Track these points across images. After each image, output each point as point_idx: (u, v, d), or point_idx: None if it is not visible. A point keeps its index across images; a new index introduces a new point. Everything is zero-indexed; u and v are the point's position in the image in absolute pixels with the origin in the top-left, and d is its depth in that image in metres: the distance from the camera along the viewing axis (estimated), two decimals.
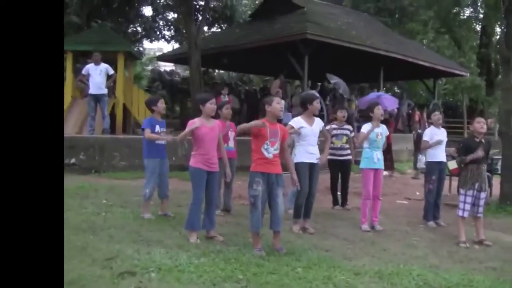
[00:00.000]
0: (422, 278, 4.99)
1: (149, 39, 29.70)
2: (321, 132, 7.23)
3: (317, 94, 8.01)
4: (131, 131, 16.36)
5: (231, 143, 7.82)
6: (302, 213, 7.10)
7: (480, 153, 6.81)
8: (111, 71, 12.74)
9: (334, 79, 17.15)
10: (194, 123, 6.11)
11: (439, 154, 8.30)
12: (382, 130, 7.67)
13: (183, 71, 37.45)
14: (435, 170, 8.28)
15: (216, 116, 6.87)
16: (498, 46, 29.21)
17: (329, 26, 17.36)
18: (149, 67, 38.76)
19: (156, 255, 5.20)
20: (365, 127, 7.66)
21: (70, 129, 13.28)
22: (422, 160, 14.30)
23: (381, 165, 7.64)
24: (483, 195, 7.00)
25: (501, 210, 9.29)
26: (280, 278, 4.68)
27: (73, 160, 11.14)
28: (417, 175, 14.29)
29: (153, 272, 4.59)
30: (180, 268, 4.78)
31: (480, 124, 7.06)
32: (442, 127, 8.52)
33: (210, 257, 5.27)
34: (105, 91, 12.54)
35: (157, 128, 7.32)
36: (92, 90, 12.37)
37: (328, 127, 8.79)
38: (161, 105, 7.41)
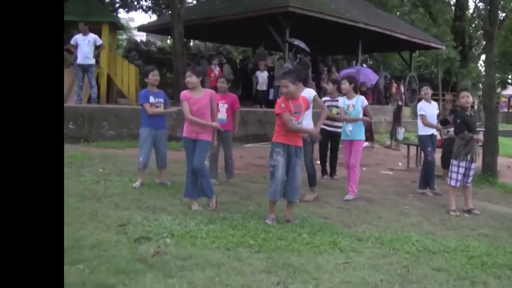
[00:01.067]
0: (421, 244, 5.26)
1: (126, 9, 29.23)
2: (315, 101, 7.38)
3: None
4: (114, 100, 16.34)
5: (222, 115, 7.92)
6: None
7: (481, 136, 7.15)
8: (99, 42, 12.71)
9: (296, 41, 17.17)
10: (185, 95, 6.31)
11: (429, 128, 8.59)
12: (355, 102, 7.89)
13: (158, 41, 37.18)
14: (428, 142, 8.59)
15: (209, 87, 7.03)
16: (481, 22, 29.77)
17: None
18: (123, 37, 38.29)
19: (165, 221, 5.37)
20: (340, 101, 8.03)
21: None
22: (400, 132, 14.73)
23: (354, 135, 7.82)
24: (473, 165, 7.33)
25: (484, 180, 9.69)
26: (289, 243, 4.90)
27: None
28: (397, 146, 14.67)
29: (167, 238, 4.77)
30: (192, 234, 4.96)
31: (464, 99, 7.33)
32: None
33: (217, 223, 5.46)
34: (92, 61, 12.52)
35: (151, 99, 7.45)
36: (80, 60, 12.34)
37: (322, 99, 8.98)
38: (152, 77, 7.52)
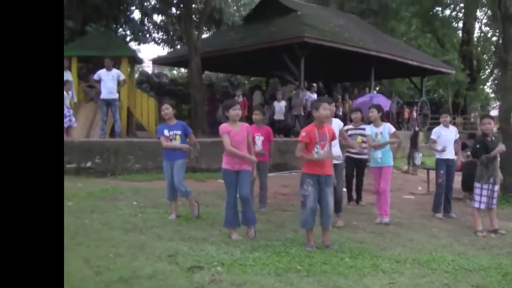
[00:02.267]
0: (456, 263, 5.53)
1: (137, 42, 29.85)
2: (341, 133, 7.73)
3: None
4: (133, 133, 16.70)
5: (258, 147, 8.22)
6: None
7: (503, 147, 7.42)
8: (122, 77, 13.10)
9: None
10: (225, 128, 6.54)
11: (446, 152, 8.84)
12: (383, 129, 8.21)
13: (170, 73, 37.75)
14: (442, 166, 8.84)
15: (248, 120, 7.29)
16: (488, 45, 30.16)
17: (324, 29, 17.91)
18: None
19: (211, 251, 5.61)
20: (368, 129, 8.38)
21: (78, 133, 13.55)
22: (418, 156, 14.98)
23: (384, 162, 8.16)
24: (496, 187, 7.62)
25: (504, 201, 9.91)
26: (334, 267, 5.15)
27: (89, 164, 11.46)
28: (415, 171, 14.90)
29: (218, 266, 5.01)
30: (240, 262, 5.21)
31: (485, 126, 7.70)
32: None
33: (261, 251, 5.71)
34: (116, 95, 12.92)
35: (166, 132, 7.58)
36: (104, 95, 12.72)
37: (345, 127, 9.26)
38: (162, 111, 7.75)
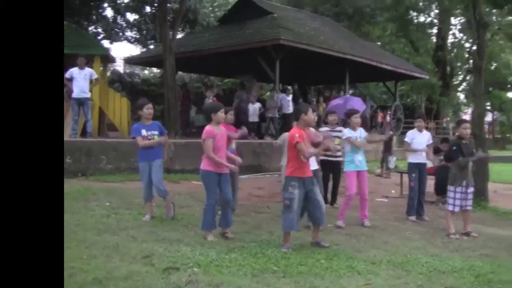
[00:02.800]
0: (430, 265, 5.61)
1: (109, 40, 29.52)
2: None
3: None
4: (105, 133, 16.48)
5: (233, 145, 8.20)
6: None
7: (482, 154, 7.55)
8: (95, 76, 12.91)
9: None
10: (211, 132, 6.51)
11: (418, 156, 8.96)
12: (361, 134, 8.31)
13: (142, 73, 37.46)
14: (414, 169, 8.94)
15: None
16: (461, 52, 30.64)
17: (299, 31, 17.94)
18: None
19: (187, 252, 5.57)
20: (345, 133, 8.37)
21: None
22: (392, 160, 15.10)
23: (363, 166, 8.26)
24: (470, 190, 7.74)
25: (476, 205, 10.00)
26: (310, 268, 5.17)
27: None
28: (389, 174, 15.04)
29: (194, 267, 4.97)
30: (216, 263, 5.18)
31: (466, 130, 7.84)
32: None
33: (237, 252, 5.71)
34: (88, 95, 12.69)
35: (144, 132, 7.51)
36: (76, 94, 12.46)
37: (321, 129, 9.30)
38: (146, 110, 7.58)
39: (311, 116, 6.21)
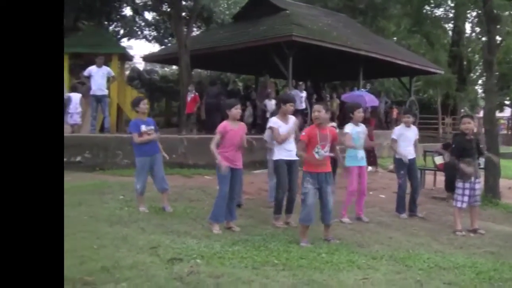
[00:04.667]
0: (432, 261, 5.66)
1: (129, 39, 29.96)
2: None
3: (291, 96, 8.39)
4: (123, 129, 16.77)
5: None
6: (284, 209, 7.62)
7: (468, 170, 7.56)
8: (112, 73, 13.23)
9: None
10: (223, 127, 6.78)
11: (406, 153, 8.79)
12: (362, 129, 8.36)
13: (161, 70, 37.79)
14: (402, 166, 8.82)
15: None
16: (478, 46, 30.43)
17: (312, 28, 17.99)
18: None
19: (192, 244, 5.75)
20: (348, 127, 8.31)
21: (68, 128, 13.63)
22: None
23: (364, 162, 8.35)
24: (478, 185, 7.82)
25: (487, 202, 10.07)
26: (310, 262, 5.29)
27: (78, 158, 11.59)
28: None
29: (198, 259, 5.14)
30: (219, 255, 5.34)
31: (465, 125, 7.81)
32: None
33: (241, 245, 5.86)
34: (106, 92, 13.06)
35: (143, 127, 7.73)
36: (94, 91, 12.83)
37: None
38: (143, 106, 7.85)
39: (317, 114, 6.29)
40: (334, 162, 8.88)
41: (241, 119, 8.29)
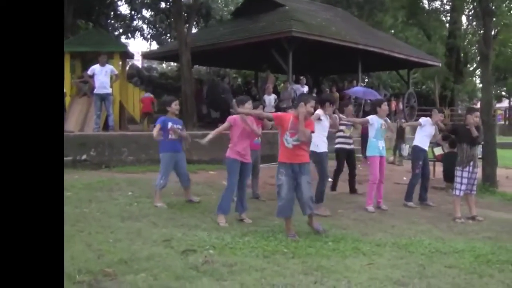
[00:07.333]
0: (433, 246, 5.97)
1: (127, 37, 30.07)
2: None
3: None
4: (125, 127, 17.01)
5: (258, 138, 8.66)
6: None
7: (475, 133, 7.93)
8: (115, 72, 13.42)
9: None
10: (233, 120, 7.13)
11: (425, 143, 9.26)
12: (386, 122, 8.73)
13: (159, 67, 37.97)
14: (421, 157, 9.20)
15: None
16: (475, 38, 30.63)
17: (311, 23, 18.20)
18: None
19: (204, 236, 6.00)
20: (372, 119, 8.69)
21: (72, 127, 13.81)
22: (405, 148, 15.39)
23: (384, 152, 8.68)
24: (475, 173, 8.15)
25: (485, 190, 10.39)
26: (318, 250, 5.57)
27: (84, 156, 11.80)
28: (401, 161, 15.35)
29: (210, 250, 5.41)
30: (231, 245, 5.61)
31: (477, 118, 8.28)
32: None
33: (250, 236, 6.12)
34: (109, 90, 13.24)
35: (170, 124, 8.14)
36: (98, 90, 13.03)
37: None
38: (174, 106, 8.31)
39: (310, 109, 6.34)
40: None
41: None
